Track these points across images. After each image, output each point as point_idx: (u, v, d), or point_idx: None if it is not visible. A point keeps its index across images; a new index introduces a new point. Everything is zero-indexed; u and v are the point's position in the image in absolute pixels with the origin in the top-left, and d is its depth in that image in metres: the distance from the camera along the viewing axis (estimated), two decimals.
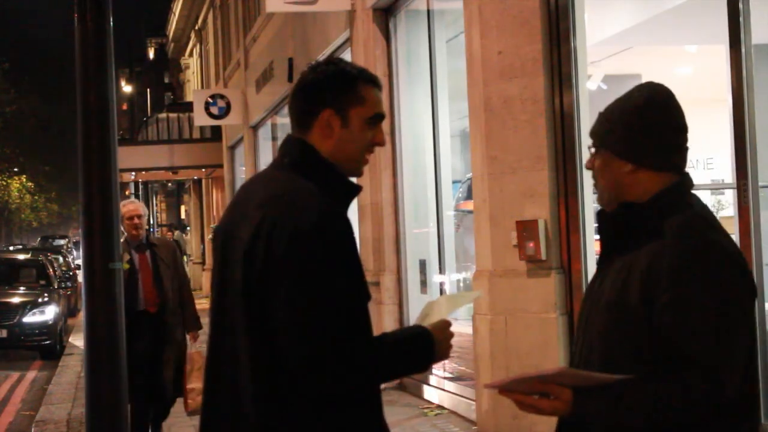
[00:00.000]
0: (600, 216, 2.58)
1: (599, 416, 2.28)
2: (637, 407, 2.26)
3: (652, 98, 2.46)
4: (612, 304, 2.39)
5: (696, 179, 2.56)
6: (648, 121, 2.43)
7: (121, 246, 7.22)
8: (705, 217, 2.45)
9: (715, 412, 2.27)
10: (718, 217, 2.50)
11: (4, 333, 14.98)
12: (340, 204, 2.44)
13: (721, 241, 2.38)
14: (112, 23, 5.64)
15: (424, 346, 2.40)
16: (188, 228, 38.42)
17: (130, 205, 7.33)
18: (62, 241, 36.02)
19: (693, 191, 2.50)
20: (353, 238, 2.37)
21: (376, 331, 2.42)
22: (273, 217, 2.33)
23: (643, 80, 2.59)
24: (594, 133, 2.52)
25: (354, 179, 2.55)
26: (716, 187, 10.19)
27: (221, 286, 2.48)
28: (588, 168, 2.56)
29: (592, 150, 2.53)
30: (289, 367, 2.28)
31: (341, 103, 2.45)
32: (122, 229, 7.23)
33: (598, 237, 2.66)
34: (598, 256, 2.60)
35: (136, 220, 7.24)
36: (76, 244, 34.71)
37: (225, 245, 2.48)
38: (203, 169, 29.28)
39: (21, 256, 19.45)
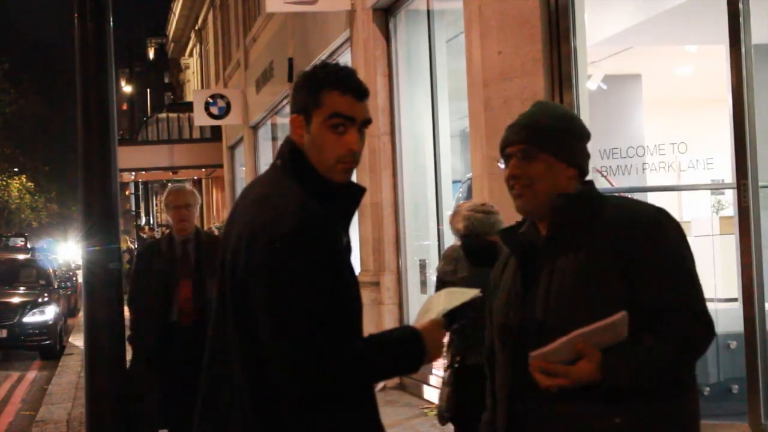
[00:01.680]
0: (510, 231, 2.74)
1: (624, 374, 2.31)
2: (657, 360, 2.33)
3: (571, 112, 2.64)
4: (577, 290, 2.42)
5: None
6: (579, 129, 2.58)
7: (162, 241, 6.12)
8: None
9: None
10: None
11: (4, 333, 14.97)
12: (336, 207, 2.42)
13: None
14: (112, 23, 5.64)
15: (412, 347, 2.39)
16: None
17: (176, 193, 5.97)
18: (19, 241, 31.12)
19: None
20: (333, 242, 2.35)
21: (377, 331, 2.42)
22: (254, 221, 2.35)
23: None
24: (529, 140, 2.53)
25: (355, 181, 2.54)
26: (716, 187, 10.16)
27: (221, 286, 2.49)
28: (516, 175, 2.55)
29: (518, 156, 2.53)
30: (268, 370, 2.29)
31: (304, 107, 2.46)
32: (168, 219, 6.19)
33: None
34: (517, 267, 2.63)
35: (183, 211, 5.88)
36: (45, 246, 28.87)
37: (224, 246, 2.50)
38: (203, 169, 29.32)
39: (21, 256, 19.43)
